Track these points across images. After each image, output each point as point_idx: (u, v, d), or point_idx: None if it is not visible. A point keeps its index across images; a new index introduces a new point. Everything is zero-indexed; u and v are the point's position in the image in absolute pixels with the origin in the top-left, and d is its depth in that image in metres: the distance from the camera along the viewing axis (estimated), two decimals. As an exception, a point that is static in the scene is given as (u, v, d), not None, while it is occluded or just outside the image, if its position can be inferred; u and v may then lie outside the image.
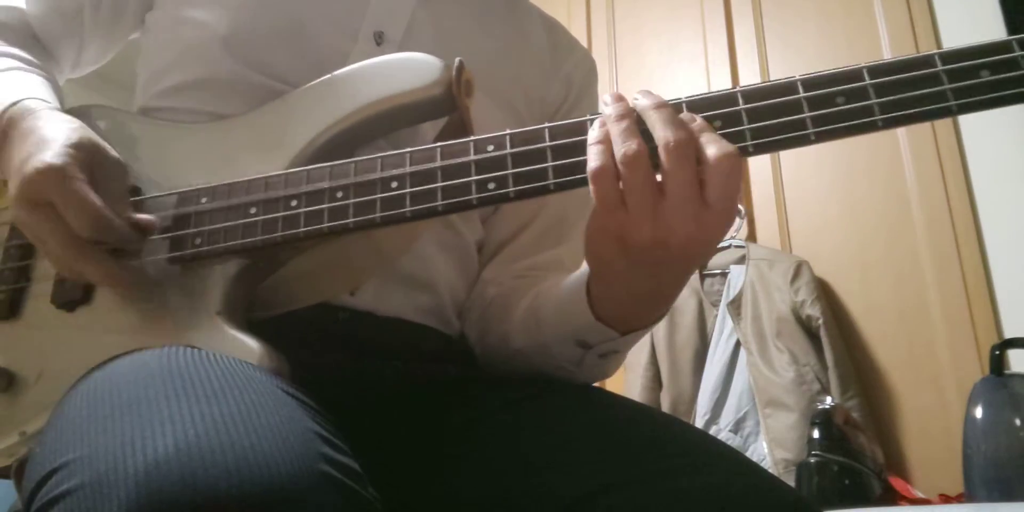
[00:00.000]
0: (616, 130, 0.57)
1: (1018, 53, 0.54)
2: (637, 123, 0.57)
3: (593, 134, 0.58)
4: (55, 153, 0.63)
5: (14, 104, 0.70)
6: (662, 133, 0.56)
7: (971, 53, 0.54)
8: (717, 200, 0.55)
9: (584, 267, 0.68)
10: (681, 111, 0.58)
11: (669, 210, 0.55)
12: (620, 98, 0.59)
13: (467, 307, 0.86)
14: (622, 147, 0.56)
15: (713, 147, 0.55)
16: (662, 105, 0.57)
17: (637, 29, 2.57)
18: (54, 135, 0.65)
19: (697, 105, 0.59)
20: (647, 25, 2.56)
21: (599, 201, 0.57)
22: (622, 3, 2.63)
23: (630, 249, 0.58)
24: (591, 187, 0.57)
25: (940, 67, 0.55)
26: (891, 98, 0.55)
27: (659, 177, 0.56)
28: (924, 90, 0.55)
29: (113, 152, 0.68)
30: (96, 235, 0.62)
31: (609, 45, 2.59)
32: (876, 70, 0.56)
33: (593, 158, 0.57)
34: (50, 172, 0.62)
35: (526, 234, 0.87)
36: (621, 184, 0.56)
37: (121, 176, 0.68)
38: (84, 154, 0.65)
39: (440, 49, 0.70)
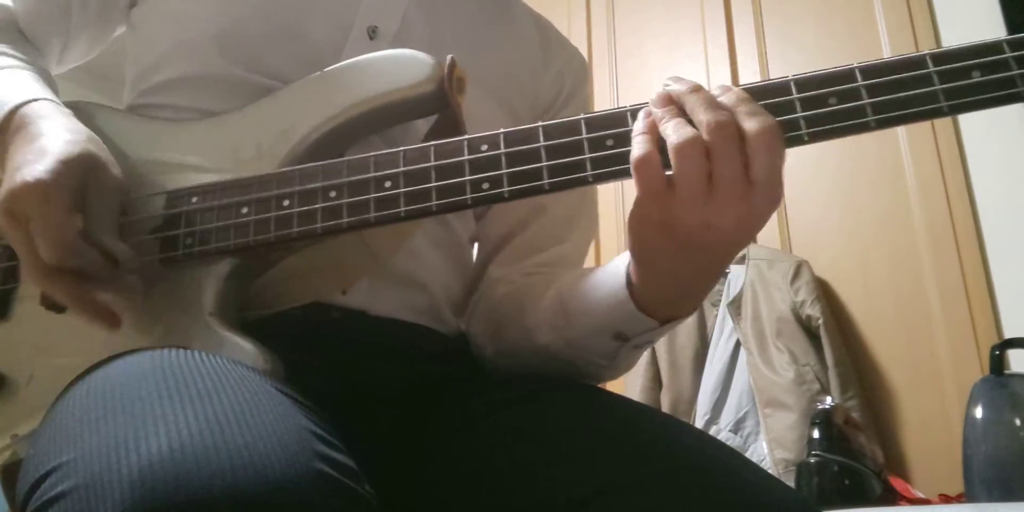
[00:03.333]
0: (663, 117, 0.56)
1: (1009, 54, 0.54)
2: (681, 110, 0.56)
3: (638, 124, 0.57)
4: (46, 169, 0.62)
5: (24, 104, 0.69)
6: (704, 116, 0.55)
7: (962, 54, 0.55)
8: (763, 178, 0.54)
9: (619, 258, 0.67)
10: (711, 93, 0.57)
11: (718, 193, 0.55)
12: (662, 94, 0.58)
13: (473, 306, 0.85)
14: (674, 135, 0.55)
15: (751, 122, 0.54)
16: (697, 88, 0.57)
17: (637, 30, 2.57)
18: (53, 147, 0.64)
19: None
20: (647, 25, 2.56)
21: (645, 190, 0.57)
22: (622, 3, 2.63)
23: (678, 234, 0.58)
24: (635, 176, 0.56)
25: (932, 68, 0.55)
26: (883, 98, 0.55)
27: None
28: (916, 91, 0.55)
29: (114, 169, 0.67)
30: (60, 262, 0.61)
31: (609, 46, 2.59)
32: (868, 71, 0.56)
33: (639, 147, 0.56)
34: (35, 188, 0.61)
35: (531, 231, 0.87)
36: (669, 171, 0.55)
37: (115, 195, 0.66)
38: (79, 171, 0.63)
39: (433, 44, 0.70)
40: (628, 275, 0.65)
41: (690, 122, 0.56)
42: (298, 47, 0.77)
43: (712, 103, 0.56)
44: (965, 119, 1.93)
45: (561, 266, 0.86)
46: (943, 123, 1.93)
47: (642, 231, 0.60)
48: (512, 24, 0.93)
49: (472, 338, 0.85)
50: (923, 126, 1.95)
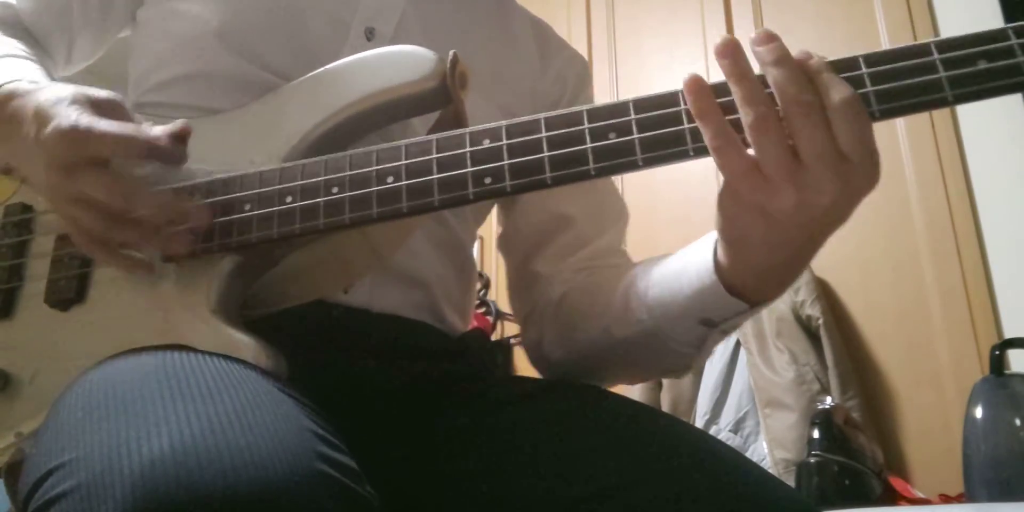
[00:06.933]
0: (738, 93, 0.53)
1: (1015, 41, 0.52)
2: (758, 82, 0.53)
3: (699, 103, 0.54)
4: (64, 115, 0.62)
5: (8, 82, 0.69)
6: (785, 90, 0.52)
7: (968, 42, 0.53)
8: (853, 150, 0.51)
9: (701, 242, 0.65)
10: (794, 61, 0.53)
11: (809, 170, 0.51)
12: (733, 50, 0.54)
13: (531, 310, 0.84)
14: (749, 111, 0.52)
15: (832, 93, 0.52)
16: (780, 59, 0.53)
17: (637, 30, 2.57)
18: (48, 102, 0.64)
19: None
20: (647, 26, 2.56)
21: (729, 172, 0.54)
22: (622, 4, 2.63)
23: (772, 216, 0.55)
24: (716, 160, 0.53)
25: (936, 56, 0.53)
26: (886, 86, 0.53)
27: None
28: (920, 78, 0.53)
29: (102, 92, 0.67)
30: (149, 151, 0.62)
31: (609, 46, 2.59)
32: (872, 59, 0.54)
33: (711, 127, 0.53)
34: (72, 131, 0.61)
35: (575, 228, 0.85)
36: (751, 151, 0.53)
37: (122, 109, 0.67)
38: (87, 105, 0.64)
39: (430, 45, 0.70)
40: (716, 258, 0.62)
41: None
42: (298, 44, 0.77)
43: (795, 75, 0.52)
44: (965, 118, 1.93)
45: (613, 255, 0.85)
46: (943, 122, 1.93)
47: (733, 216, 0.58)
48: (509, 27, 0.93)
49: (534, 345, 0.84)
50: (923, 126, 1.95)
